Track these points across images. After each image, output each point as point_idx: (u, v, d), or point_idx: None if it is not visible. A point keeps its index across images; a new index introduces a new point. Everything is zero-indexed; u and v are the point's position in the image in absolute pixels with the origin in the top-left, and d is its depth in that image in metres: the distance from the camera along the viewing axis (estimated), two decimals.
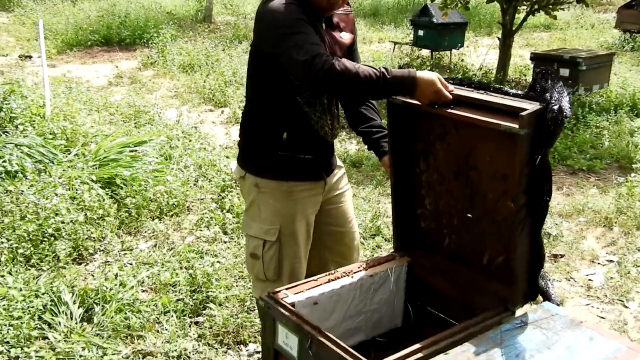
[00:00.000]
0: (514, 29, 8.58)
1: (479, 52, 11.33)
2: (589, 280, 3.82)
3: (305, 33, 2.04)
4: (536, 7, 8.28)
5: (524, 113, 1.73)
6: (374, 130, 2.49)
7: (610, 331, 1.95)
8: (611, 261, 4.05)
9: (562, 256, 4.08)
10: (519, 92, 1.91)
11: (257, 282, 2.47)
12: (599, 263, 4.04)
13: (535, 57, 7.93)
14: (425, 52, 10.69)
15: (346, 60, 2.00)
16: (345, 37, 2.38)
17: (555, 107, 1.76)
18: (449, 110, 2.00)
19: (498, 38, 8.88)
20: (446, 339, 1.83)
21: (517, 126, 1.74)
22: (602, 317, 3.42)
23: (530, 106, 1.78)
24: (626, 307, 3.54)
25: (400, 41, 11.31)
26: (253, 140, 2.38)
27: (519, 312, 2.10)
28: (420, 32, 10.17)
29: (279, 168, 2.31)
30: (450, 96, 1.99)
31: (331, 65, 1.93)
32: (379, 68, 2.00)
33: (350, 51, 2.40)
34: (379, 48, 11.78)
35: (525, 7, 8.50)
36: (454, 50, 10.48)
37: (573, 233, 4.41)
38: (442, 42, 10.05)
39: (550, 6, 8.16)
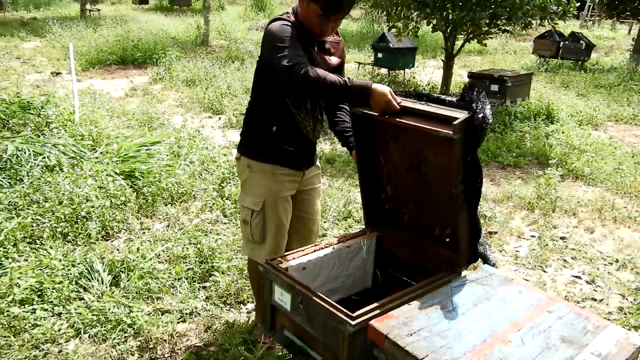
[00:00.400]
0: (454, 53, 8.69)
1: (426, 72, 11.42)
2: (516, 251, 3.91)
3: (292, 47, 2.08)
4: (471, 36, 8.41)
5: (455, 122, 1.80)
6: (346, 130, 2.50)
7: (534, 286, 2.03)
8: (533, 236, 4.14)
9: (496, 233, 4.17)
10: (453, 100, 1.97)
11: (247, 243, 2.53)
12: (524, 238, 4.14)
13: (471, 75, 8.04)
14: (384, 71, 10.74)
15: (319, 69, 2.05)
16: (333, 60, 2.39)
17: (480, 116, 1.82)
18: (398, 119, 2.05)
19: (442, 60, 8.97)
20: (408, 294, 1.89)
21: (451, 132, 1.81)
22: (526, 280, 3.51)
23: (461, 115, 1.84)
24: (545, 271, 3.64)
25: (363, 62, 11.35)
26: (250, 130, 2.45)
27: (464, 273, 2.17)
28: (379, 55, 10.21)
29: (267, 154, 2.38)
30: (398, 107, 2.05)
31: (306, 71, 2.00)
32: (346, 78, 2.06)
33: (338, 71, 2.38)
34: (346, 67, 11.79)
35: (462, 36, 8.62)
36: (406, 70, 10.55)
37: (504, 215, 4.51)
38: (397, 63, 10.11)
39: (482, 35, 8.28)
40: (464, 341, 1.57)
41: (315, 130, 2.46)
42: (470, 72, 8.23)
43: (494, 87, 7.59)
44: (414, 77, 10.60)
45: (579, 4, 8.75)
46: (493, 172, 5.67)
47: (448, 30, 8.40)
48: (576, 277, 3.57)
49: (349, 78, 2.06)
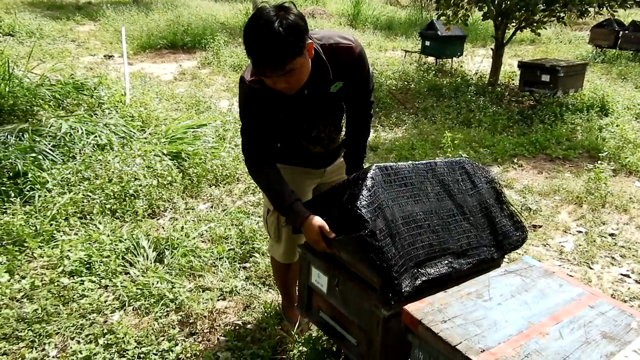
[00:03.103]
0: (504, 42, 8.45)
1: (475, 60, 11.16)
2: (562, 246, 3.81)
3: (247, 124, 2.08)
4: (523, 24, 8.15)
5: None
6: (350, 156, 2.39)
7: (577, 280, 1.97)
8: (580, 232, 4.02)
9: (540, 227, 4.07)
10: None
11: (268, 240, 2.55)
12: (570, 233, 4.02)
13: (522, 65, 7.79)
14: (431, 59, 10.57)
15: (261, 172, 2.08)
16: (335, 88, 2.09)
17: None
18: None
19: (491, 49, 8.74)
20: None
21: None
22: (571, 276, 3.41)
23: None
24: (591, 268, 3.54)
25: (411, 50, 11.19)
26: None
27: (503, 263, 2.14)
28: (427, 43, 10.04)
29: (280, 158, 2.28)
30: (325, 248, 1.94)
31: (252, 170, 2.12)
32: (292, 200, 2.01)
33: (344, 96, 2.17)
34: (392, 55, 11.67)
35: (514, 24, 8.38)
36: (454, 58, 10.34)
37: (550, 208, 4.39)
38: (445, 51, 9.92)
39: (535, 24, 8.02)
40: (499, 331, 1.55)
41: (328, 146, 2.32)
42: (520, 61, 7.98)
43: (545, 78, 7.34)
44: (461, 66, 10.39)
45: None
46: (540, 164, 5.51)
47: (499, 18, 8.18)
48: (624, 275, 3.45)
49: (292, 205, 1.99)
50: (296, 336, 2.56)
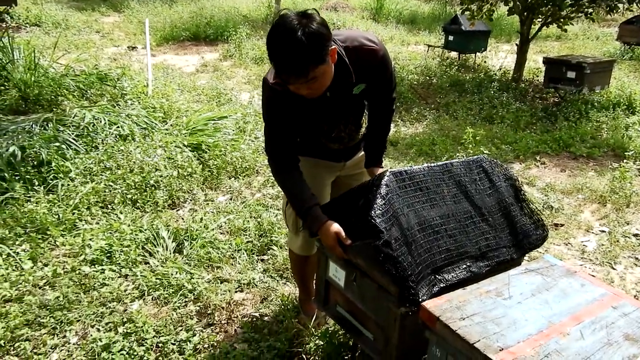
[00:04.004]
0: (530, 37, 8.32)
1: (499, 56, 11.00)
2: (584, 245, 3.75)
3: (269, 126, 2.08)
4: (549, 20, 8.01)
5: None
6: (370, 150, 2.38)
7: (599, 280, 1.94)
8: (603, 231, 3.95)
9: (562, 225, 4.01)
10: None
11: (288, 232, 2.57)
12: (592, 232, 3.95)
13: (547, 61, 7.66)
14: (454, 54, 10.45)
15: (289, 177, 2.09)
16: (357, 90, 2.09)
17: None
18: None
19: (516, 44, 8.61)
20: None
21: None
22: (593, 276, 3.36)
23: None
24: (614, 268, 3.47)
25: (433, 44, 11.07)
26: None
27: (524, 262, 2.11)
28: (450, 37, 9.93)
29: (303, 152, 2.28)
30: (341, 254, 1.93)
31: (275, 173, 2.15)
32: (311, 204, 2.01)
33: (367, 96, 2.16)
34: (415, 49, 11.56)
35: (540, 20, 8.23)
36: (478, 54, 10.22)
37: (572, 207, 4.32)
38: (469, 46, 9.80)
39: (562, 20, 7.87)
40: (519, 330, 1.53)
41: (348, 142, 2.30)
42: (545, 57, 7.84)
43: (571, 74, 7.20)
44: (485, 62, 10.25)
45: None
46: (564, 162, 5.43)
47: (525, 13, 8.05)
48: None
49: (310, 209, 1.99)
50: (313, 329, 2.57)
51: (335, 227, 1.93)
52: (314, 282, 2.51)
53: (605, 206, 4.36)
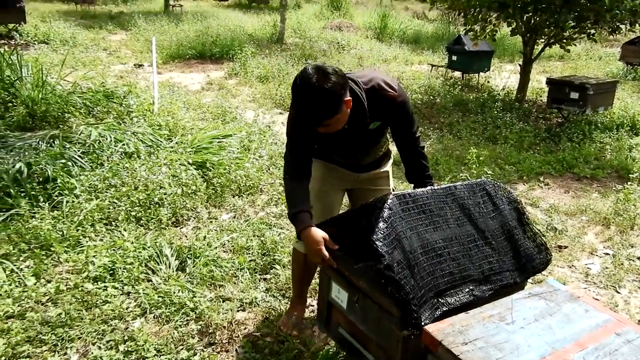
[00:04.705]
0: (533, 57, 8.37)
1: (502, 76, 11.06)
2: (588, 268, 3.72)
3: (291, 143, 2.27)
4: (552, 40, 8.06)
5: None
6: (418, 176, 2.45)
7: (603, 306, 1.92)
8: (607, 254, 3.93)
9: (566, 247, 3.99)
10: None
11: None
12: (596, 255, 3.93)
13: (550, 82, 7.69)
14: (457, 74, 10.51)
15: (291, 180, 2.24)
16: (374, 126, 2.27)
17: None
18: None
19: (519, 65, 8.66)
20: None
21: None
22: (596, 299, 3.34)
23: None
24: (618, 292, 3.45)
25: (437, 64, 11.15)
26: None
27: (527, 286, 2.10)
28: (454, 57, 9.99)
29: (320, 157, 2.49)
30: (327, 260, 2.00)
31: (285, 179, 2.28)
32: (301, 209, 2.13)
33: (378, 132, 2.34)
34: (418, 69, 11.64)
35: (542, 40, 8.29)
36: (481, 73, 10.28)
37: (576, 229, 4.30)
38: (472, 66, 9.86)
39: (565, 41, 7.93)
40: (522, 355, 1.52)
41: (359, 161, 2.51)
42: (548, 78, 7.87)
43: (574, 95, 7.23)
44: (488, 82, 10.30)
45: None
46: (567, 183, 5.42)
47: (528, 34, 8.11)
48: None
49: (296, 214, 2.12)
50: (289, 334, 2.68)
51: (320, 232, 2.04)
52: (318, 302, 2.50)
53: (609, 228, 4.34)
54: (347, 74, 2.17)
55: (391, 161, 2.67)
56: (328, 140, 2.26)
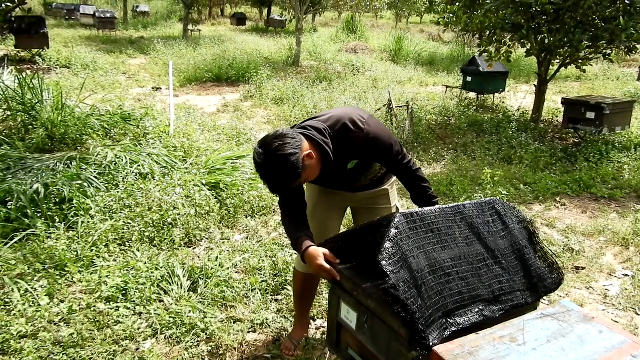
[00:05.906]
0: (548, 78, 8.34)
1: (517, 97, 11.03)
2: (606, 290, 3.64)
3: (280, 199, 2.29)
4: (567, 61, 8.03)
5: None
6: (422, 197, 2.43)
7: (618, 327, 1.87)
8: (626, 275, 3.84)
9: (584, 268, 3.91)
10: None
11: None
12: (615, 276, 3.85)
13: (565, 102, 7.64)
14: (472, 95, 10.51)
15: (288, 216, 2.26)
16: (352, 165, 2.31)
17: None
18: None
19: (534, 85, 8.63)
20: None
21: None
22: (615, 322, 3.26)
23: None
24: (638, 314, 3.36)
25: (452, 85, 11.16)
26: None
27: (540, 306, 2.05)
28: (469, 79, 10.01)
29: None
30: (331, 273, 1.99)
31: (282, 220, 2.30)
32: (300, 235, 2.15)
33: (359, 169, 2.37)
34: (433, 90, 11.66)
35: (558, 61, 8.26)
36: (496, 94, 10.26)
37: (594, 250, 4.22)
38: (487, 87, 9.85)
39: (580, 61, 7.89)
40: None
41: (353, 187, 2.51)
42: (564, 98, 7.82)
43: (590, 115, 7.16)
44: (503, 102, 10.28)
45: None
46: (585, 203, 5.33)
47: (542, 54, 8.09)
48: None
49: (297, 240, 2.13)
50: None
51: (320, 249, 2.04)
52: (328, 323, 2.48)
53: (629, 249, 4.25)
54: (315, 118, 2.21)
55: (393, 179, 2.61)
56: (316, 180, 2.27)
